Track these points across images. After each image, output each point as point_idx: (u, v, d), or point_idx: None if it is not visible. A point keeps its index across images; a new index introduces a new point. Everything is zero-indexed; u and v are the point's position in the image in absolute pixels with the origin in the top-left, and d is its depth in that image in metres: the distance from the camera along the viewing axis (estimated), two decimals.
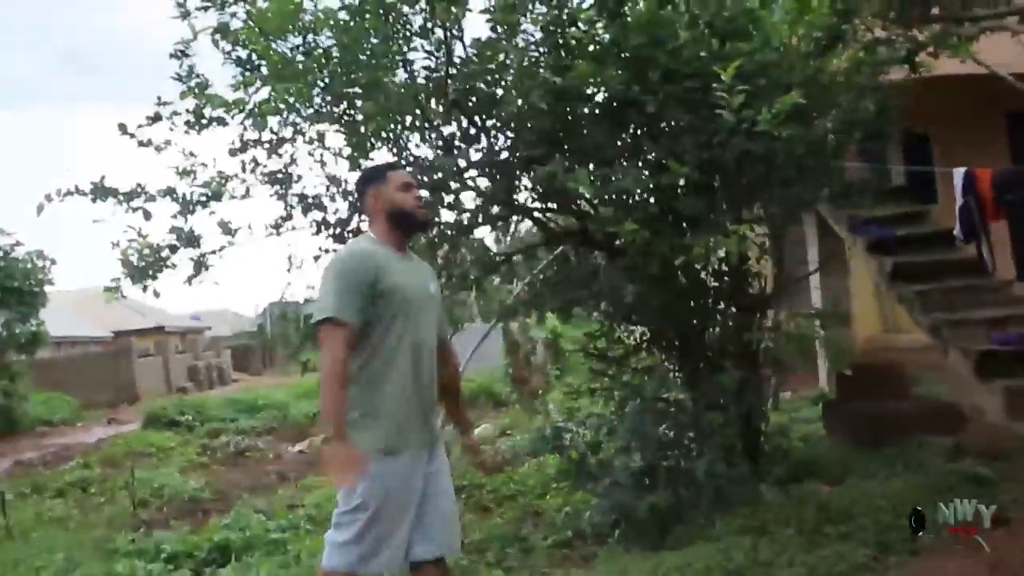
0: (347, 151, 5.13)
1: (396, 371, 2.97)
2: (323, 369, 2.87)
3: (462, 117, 4.87)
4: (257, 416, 15.99)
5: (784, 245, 5.86)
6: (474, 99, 4.83)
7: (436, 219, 5.16)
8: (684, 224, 4.79)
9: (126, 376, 27.09)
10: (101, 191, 4.62)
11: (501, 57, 4.86)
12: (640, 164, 4.79)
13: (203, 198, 5.24)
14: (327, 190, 5.31)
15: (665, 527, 4.93)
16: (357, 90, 4.95)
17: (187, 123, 5.10)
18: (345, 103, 5.11)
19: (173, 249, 4.90)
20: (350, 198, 5.29)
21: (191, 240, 4.87)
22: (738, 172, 4.61)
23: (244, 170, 5.19)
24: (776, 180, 4.70)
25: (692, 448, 5.13)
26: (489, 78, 4.82)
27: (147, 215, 4.78)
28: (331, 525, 2.99)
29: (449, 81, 4.72)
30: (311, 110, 5.17)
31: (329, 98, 5.12)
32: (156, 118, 4.79)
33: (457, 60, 4.89)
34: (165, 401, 17.73)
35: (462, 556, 5.19)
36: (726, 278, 5.61)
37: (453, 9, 4.75)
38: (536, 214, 5.80)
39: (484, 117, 4.88)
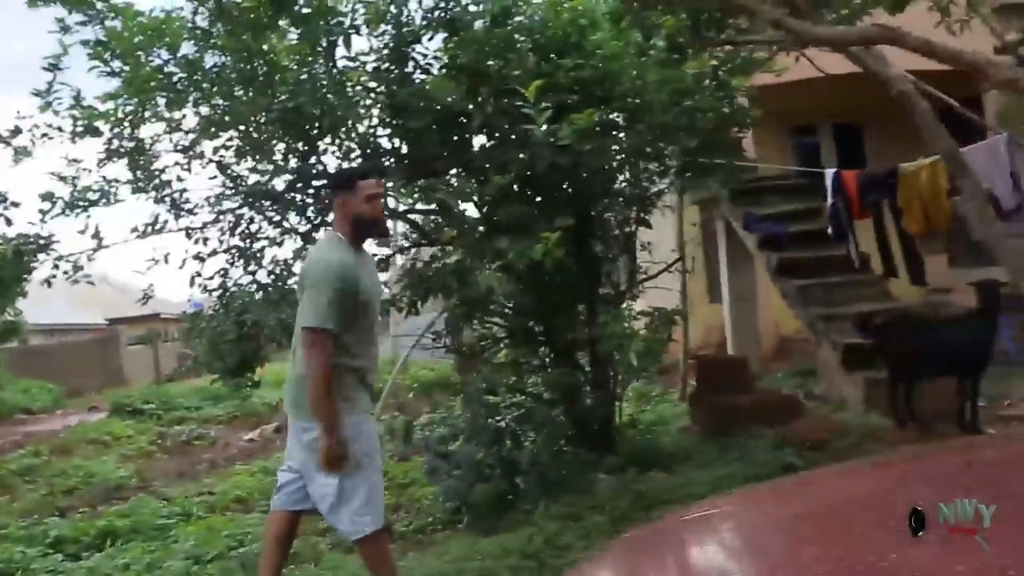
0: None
1: (356, 353, 3.38)
2: (314, 373, 3.23)
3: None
4: (220, 405, 16.27)
5: (635, 246, 6.16)
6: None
7: None
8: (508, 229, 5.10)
9: (114, 363, 27.49)
10: None
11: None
12: (466, 174, 5.11)
13: (82, 203, 5.58)
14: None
15: (500, 513, 5.27)
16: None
17: (70, 133, 5.43)
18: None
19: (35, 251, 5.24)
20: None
21: (45, 246, 5.20)
22: (549, 182, 4.92)
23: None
24: (582, 189, 5.00)
25: (524, 439, 5.47)
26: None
27: (8, 221, 5.14)
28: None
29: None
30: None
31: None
32: (16, 131, 5.12)
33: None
34: (133, 390, 18.10)
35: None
36: (578, 277, 5.93)
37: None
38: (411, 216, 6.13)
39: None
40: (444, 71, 5.30)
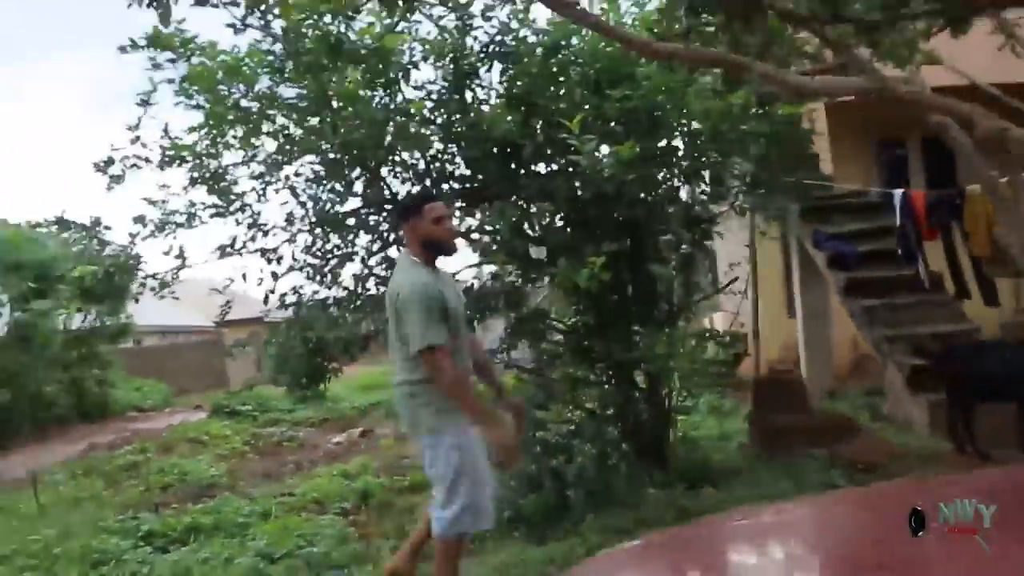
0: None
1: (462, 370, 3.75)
2: (449, 385, 3.60)
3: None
4: (313, 408, 16.98)
5: (694, 269, 6.30)
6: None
7: None
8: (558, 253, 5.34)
9: (219, 365, 28.81)
10: (62, 224, 5.52)
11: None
12: (518, 201, 5.37)
13: (170, 225, 6.11)
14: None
15: (551, 523, 5.50)
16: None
17: (157, 162, 5.96)
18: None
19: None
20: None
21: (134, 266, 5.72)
22: (598, 208, 5.13)
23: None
24: (633, 215, 5.19)
25: (576, 453, 5.68)
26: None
27: (102, 244, 5.67)
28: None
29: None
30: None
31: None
32: (110, 162, 5.65)
33: None
34: (233, 391, 19.02)
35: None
36: (633, 298, 6.11)
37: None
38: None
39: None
40: (501, 102, 5.58)
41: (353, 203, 6.11)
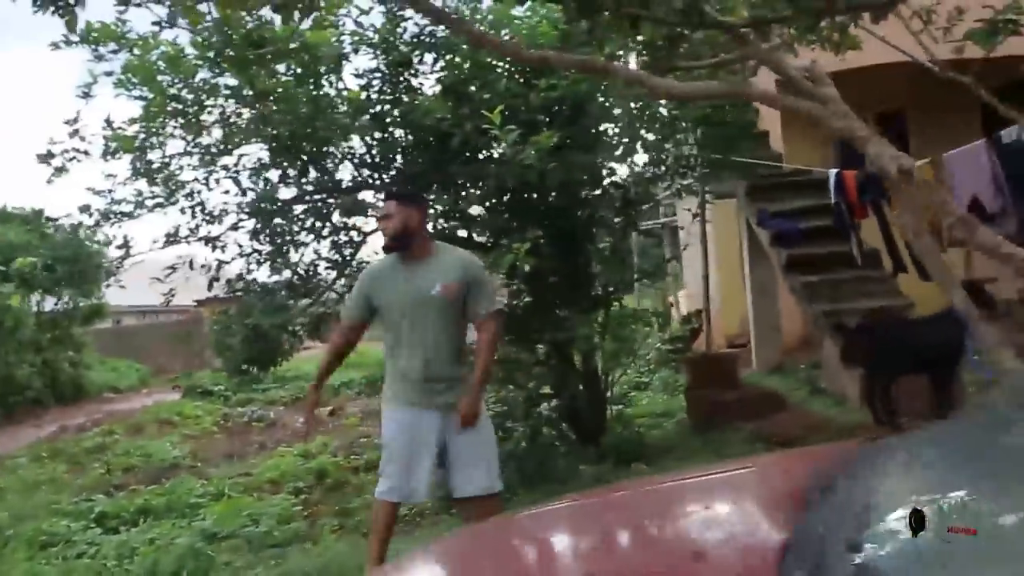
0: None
1: (394, 354, 4.06)
2: None
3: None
4: (286, 387, 17.12)
5: (624, 251, 6.47)
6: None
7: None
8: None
9: (197, 344, 28.85)
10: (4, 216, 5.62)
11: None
12: (449, 190, 5.52)
13: (115, 215, 6.22)
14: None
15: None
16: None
17: (100, 154, 6.07)
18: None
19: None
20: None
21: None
22: (521, 196, 5.29)
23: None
24: (552, 204, 5.34)
25: (512, 432, 5.88)
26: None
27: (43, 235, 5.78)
28: None
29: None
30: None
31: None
32: (49, 155, 5.75)
33: None
34: (210, 371, 19.14)
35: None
36: (571, 280, 6.28)
37: None
38: None
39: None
40: (435, 92, 5.71)
41: (295, 191, 6.24)
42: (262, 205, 6.01)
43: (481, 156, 5.48)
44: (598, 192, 5.89)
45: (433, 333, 4.00)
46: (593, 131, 5.51)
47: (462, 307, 3.98)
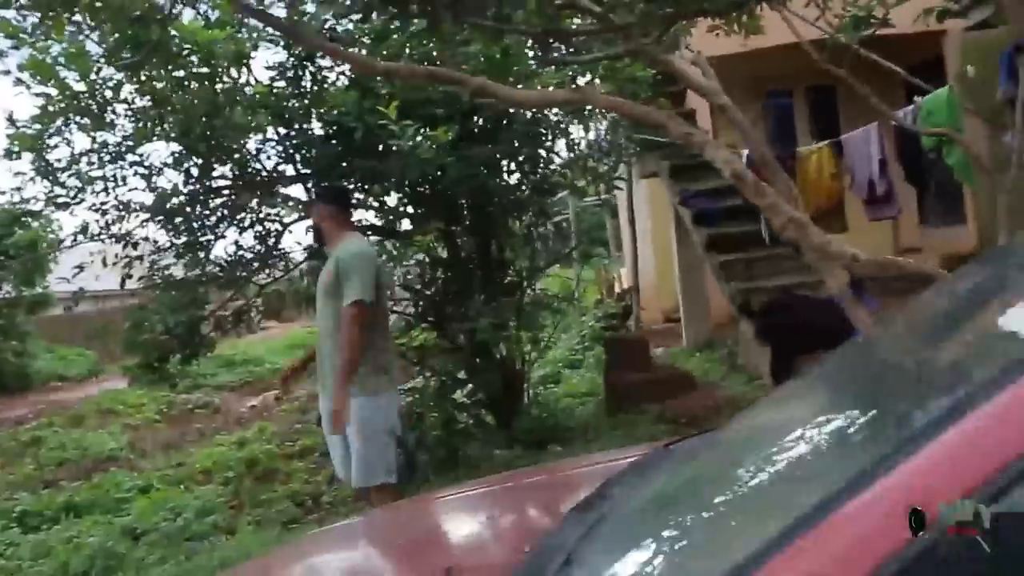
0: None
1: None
2: None
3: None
4: (235, 371, 17.07)
5: (537, 237, 6.57)
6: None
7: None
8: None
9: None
10: None
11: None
12: (357, 182, 5.58)
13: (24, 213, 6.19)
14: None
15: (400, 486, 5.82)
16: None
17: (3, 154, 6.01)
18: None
19: None
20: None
21: None
22: (424, 189, 5.36)
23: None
24: (453, 195, 5.43)
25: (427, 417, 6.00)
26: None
27: None
28: None
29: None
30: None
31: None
32: None
33: None
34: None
35: None
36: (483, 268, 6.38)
37: None
38: None
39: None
40: (340, 86, 5.75)
41: (206, 185, 6.24)
42: (172, 200, 6.02)
43: (382, 149, 5.52)
44: (506, 181, 5.97)
45: (323, 322, 4.28)
46: (494, 123, 5.57)
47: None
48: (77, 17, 4.86)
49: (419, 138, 4.93)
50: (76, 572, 5.06)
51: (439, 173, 5.18)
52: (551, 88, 5.09)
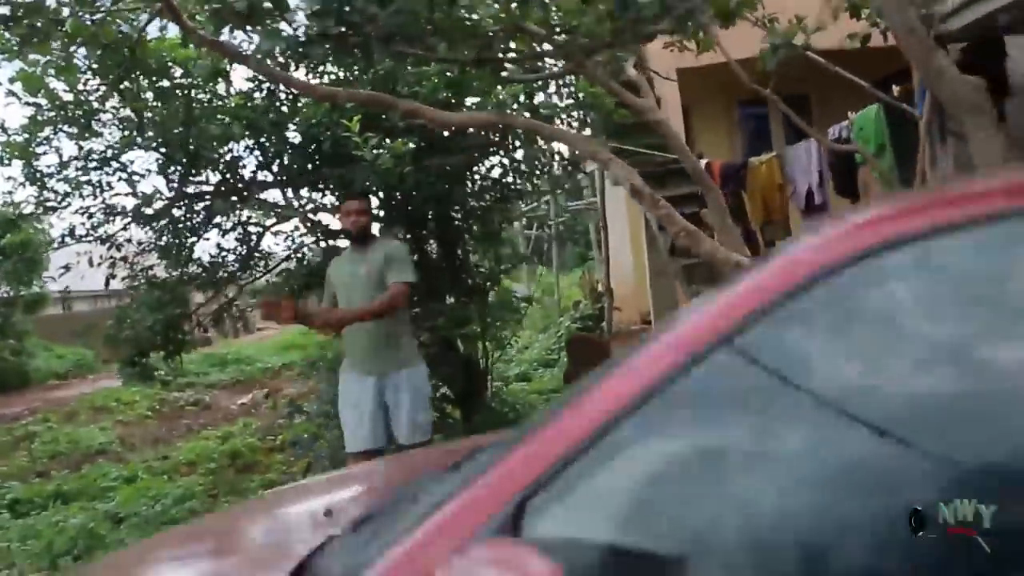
0: None
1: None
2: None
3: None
4: (227, 371, 17.44)
5: (501, 242, 6.94)
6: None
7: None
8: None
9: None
10: None
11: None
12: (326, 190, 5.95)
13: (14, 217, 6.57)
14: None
15: None
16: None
17: None
18: None
19: None
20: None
21: None
22: (386, 197, 5.73)
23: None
24: (416, 202, 5.80)
25: None
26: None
27: None
28: None
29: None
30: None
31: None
32: None
33: None
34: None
35: None
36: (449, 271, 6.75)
37: None
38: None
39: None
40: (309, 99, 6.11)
41: (187, 191, 6.62)
42: (154, 204, 6.39)
43: (350, 159, 5.87)
44: (468, 189, 6.34)
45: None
46: (452, 135, 5.93)
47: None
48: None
49: (381, 150, 5.28)
50: (59, 551, 5.43)
51: (400, 182, 5.53)
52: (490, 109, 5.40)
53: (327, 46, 3.11)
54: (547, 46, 4.61)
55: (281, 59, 4.74)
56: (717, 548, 1.08)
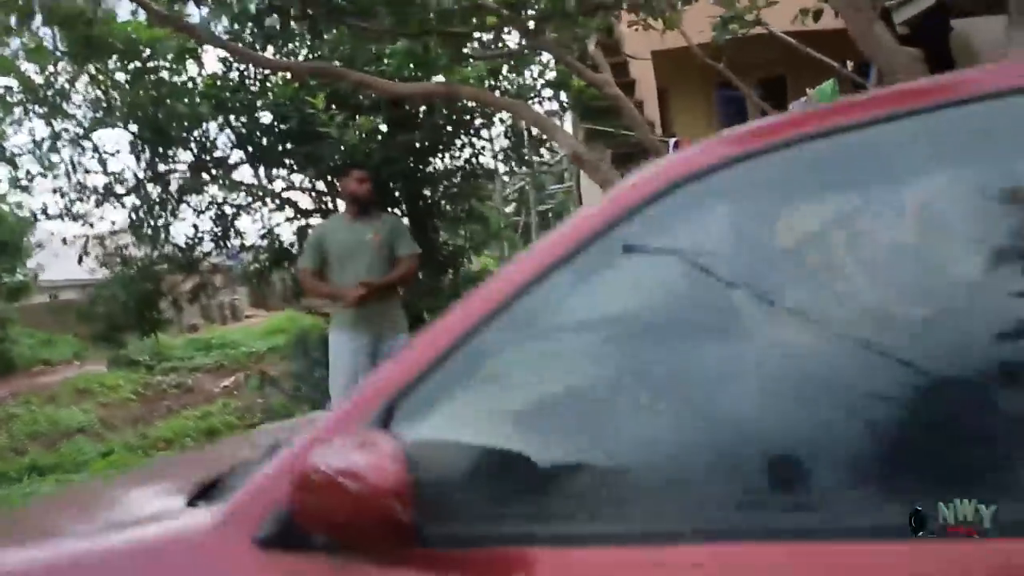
0: None
1: None
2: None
3: None
4: (211, 355, 17.50)
5: (471, 219, 7.08)
6: None
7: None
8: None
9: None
10: None
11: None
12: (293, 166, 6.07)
13: None
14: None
15: None
16: None
17: None
18: None
19: None
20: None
21: None
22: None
23: None
24: (383, 179, 5.92)
25: None
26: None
27: None
28: None
29: None
30: None
31: None
32: None
33: None
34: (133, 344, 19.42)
35: None
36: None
37: None
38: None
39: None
40: (279, 78, 6.22)
41: (158, 169, 6.73)
42: (126, 182, 6.50)
43: (316, 136, 5.99)
44: (436, 167, 6.47)
45: (373, 276, 4.72)
46: (420, 112, 6.05)
47: None
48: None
49: (346, 127, 5.40)
50: None
51: (367, 158, 5.64)
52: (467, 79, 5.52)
53: (276, 17, 3.21)
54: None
55: (249, 38, 4.88)
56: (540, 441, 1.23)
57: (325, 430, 1.31)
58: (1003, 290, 1.15)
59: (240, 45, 4.54)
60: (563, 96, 6.93)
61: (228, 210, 7.17)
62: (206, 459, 2.30)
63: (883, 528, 1.04)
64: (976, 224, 1.22)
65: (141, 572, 1.36)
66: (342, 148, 5.55)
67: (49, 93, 6.21)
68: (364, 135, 5.39)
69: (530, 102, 6.87)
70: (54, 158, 6.60)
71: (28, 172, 6.38)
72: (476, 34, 4.79)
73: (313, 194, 6.46)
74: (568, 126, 8.89)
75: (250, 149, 6.48)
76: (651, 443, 1.19)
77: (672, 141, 8.13)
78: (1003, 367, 1.12)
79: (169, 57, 5.73)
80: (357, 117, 5.48)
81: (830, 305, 1.24)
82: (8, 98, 6.10)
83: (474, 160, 6.89)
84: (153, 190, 6.69)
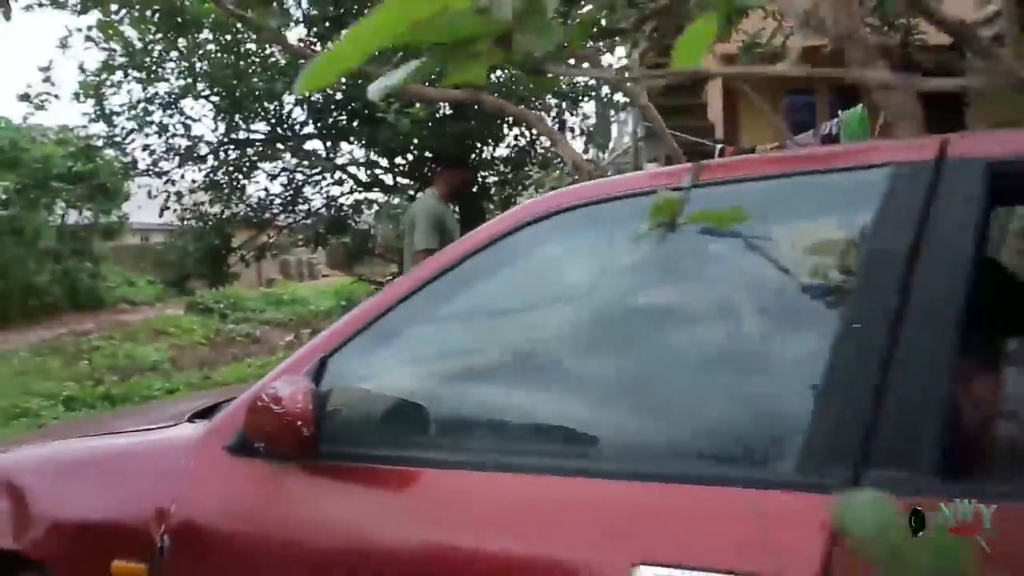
0: None
1: None
2: None
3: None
4: (281, 310, 18.41)
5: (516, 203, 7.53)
6: None
7: None
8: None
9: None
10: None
11: None
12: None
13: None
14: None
15: None
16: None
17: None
18: None
19: None
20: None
21: None
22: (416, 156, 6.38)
23: None
24: (432, 162, 6.43)
25: None
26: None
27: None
28: None
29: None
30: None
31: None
32: (26, 96, 6.92)
33: None
34: (210, 292, 20.53)
35: None
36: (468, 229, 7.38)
37: None
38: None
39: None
40: None
41: (237, 136, 7.37)
42: (205, 147, 7.16)
43: (378, 119, 6.52)
44: (485, 154, 6.94)
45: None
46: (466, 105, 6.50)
47: None
48: None
49: (402, 114, 5.91)
50: None
51: (419, 143, 6.16)
52: None
53: (327, 25, 3.69)
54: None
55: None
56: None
57: (278, 372, 1.81)
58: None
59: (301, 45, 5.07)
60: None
61: (299, 176, 7.80)
62: (224, 393, 2.84)
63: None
64: None
65: (140, 461, 1.91)
66: (397, 132, 6.05)
67: (146, 60, 6.86)
68: (415, 122, 5.87)
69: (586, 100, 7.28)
70: (146, 118, 7.27)
71: (124, 129, 7.08)
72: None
73: (369, 170, 7.00)
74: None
75: (319, 124, 7.04)
76: (484, 400, 1.67)
77: (718, 147, 8.42)
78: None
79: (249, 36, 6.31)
80: (417, 104, 5.97)
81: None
82: (111, 61, 6.78)
83: (528, 148, 7.31)
84: (232, 154, 7.32)
